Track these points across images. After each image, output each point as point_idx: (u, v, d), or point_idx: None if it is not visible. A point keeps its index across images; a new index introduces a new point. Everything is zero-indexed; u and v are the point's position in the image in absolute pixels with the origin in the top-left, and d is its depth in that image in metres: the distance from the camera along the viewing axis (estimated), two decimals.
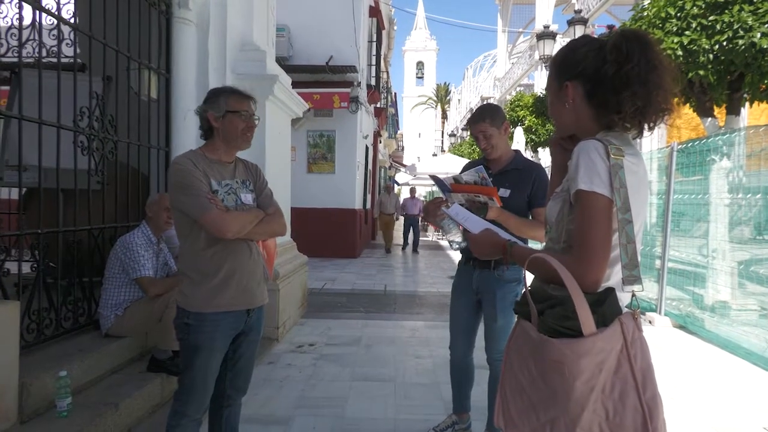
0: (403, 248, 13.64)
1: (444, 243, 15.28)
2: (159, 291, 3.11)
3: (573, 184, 1.22)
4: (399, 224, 15.52)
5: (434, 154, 35.75)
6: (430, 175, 2.53)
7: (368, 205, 14.11)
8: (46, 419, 2.43)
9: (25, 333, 2.65)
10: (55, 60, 2.93)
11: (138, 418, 2.84)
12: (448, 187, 2.38)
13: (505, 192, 2.44)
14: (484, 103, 3.21)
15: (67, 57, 3.05)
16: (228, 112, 2.04)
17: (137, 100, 3.71)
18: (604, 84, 1.25)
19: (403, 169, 30.19)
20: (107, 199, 3.39)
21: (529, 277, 1.33)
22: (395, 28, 21.13)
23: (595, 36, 1.41)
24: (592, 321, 1.11)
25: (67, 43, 3.06)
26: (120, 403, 2.68)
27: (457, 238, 2.47)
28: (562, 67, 1.34)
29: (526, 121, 13.62)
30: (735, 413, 3.29)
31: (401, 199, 14.35)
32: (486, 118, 2.52)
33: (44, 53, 2.86)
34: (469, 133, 2.73)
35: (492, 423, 2.67)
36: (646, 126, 1.29)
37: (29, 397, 2.41)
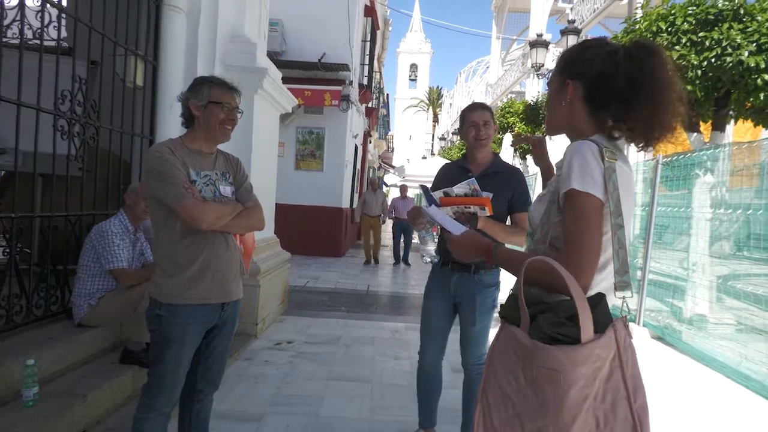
0: (395, 263, 11.06)
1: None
2: (132, 282, 3.06)
3: (565, 183, 1.19)
4: (386, 227, 13.59)
5: (424, 157, 35.81)
6: (421, 186, 2.47)
7: (355, 205, 14.05)
8: (10, 408, 2.37)
9: None
10: (43, 43, 2.86)
11: (108, 410, 2.78)
12: (436, 201, 2.33)
13: (487, 195, 2.42)
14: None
15: (53, 40, 2.99)
16: (210, 103, 2.00)
17: (122, 87, 3.64)
18: (610, 90, 1.24)
19: (392, 171, 30.19)
20: (87, 186, 3.33)
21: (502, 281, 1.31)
22: (390, 29, 21.14)
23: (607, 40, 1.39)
24: (592, 327, 1.07)
25: (54, 26, 3.00)
26: (89, 394, 2.62)
27: (431, 248, 2.46)
28: (569, 64, 1.33)
29: (516, 128, 13.69)
30: (707, 426, 3.31)
31: (390, 199, 12.48)
32: (488, 110, 2.58)
33: (30, 35, 2.80)
34: (457, 134, 2.64)
35: (468, 428, 2.66)
36: (650, 139, 1.28)
37: None
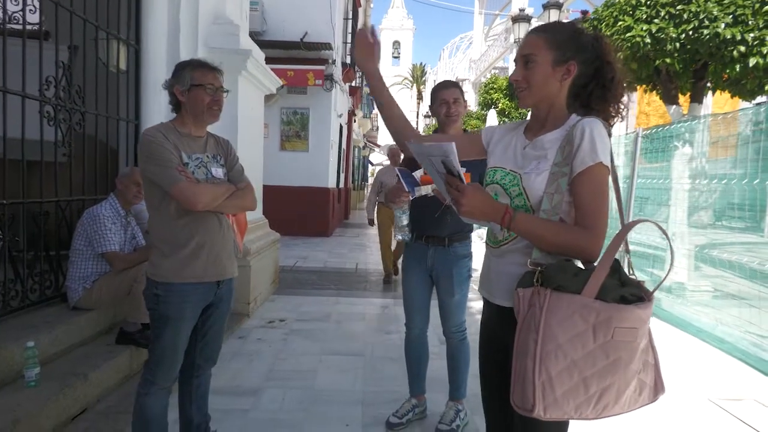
0: None
1: None
2: (125, 265, 3.11)
3: (589, 156, 1.28)
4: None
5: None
6: (398, 169, 2.52)
7: (341, 184, 14.08)
8: (14, 389, 2.44)
9: None
10: (18, 27, 2.85)
11: (107, 389, 2.86)
12: (416, 180, 2.40)
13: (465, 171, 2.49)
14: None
15: (31, 24, 2.97)
16: (193, 86, 2.03)
17: (106, 72, 3.64)
18: (596, 77, 1.38)
19: (377, 149, 30.07)
20: (74, 171, 3.35)
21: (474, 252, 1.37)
22: (372, 5, 20.90)
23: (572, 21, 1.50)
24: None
25: (30, 10, 2.98)
26: (89, 373, 2.70)
27: (405, 222, 2.57)
28: (570, 44, 1.37)
29: (500, 104, 13.76)
30: (682, 386, 3.48)
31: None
32: (458, 87, 2.66)
33: (7, 20, 2.79)
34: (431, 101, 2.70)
35: (455, 393, 2.79)
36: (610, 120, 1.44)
37: None
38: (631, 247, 4.77)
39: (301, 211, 10.79)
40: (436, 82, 3.13)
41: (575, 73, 1.37)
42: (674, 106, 6.48)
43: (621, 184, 6.40)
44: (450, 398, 2.82)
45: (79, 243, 3.10)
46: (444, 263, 2.65)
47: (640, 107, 16.54)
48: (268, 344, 4.01)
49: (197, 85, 2.03)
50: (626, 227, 1.24)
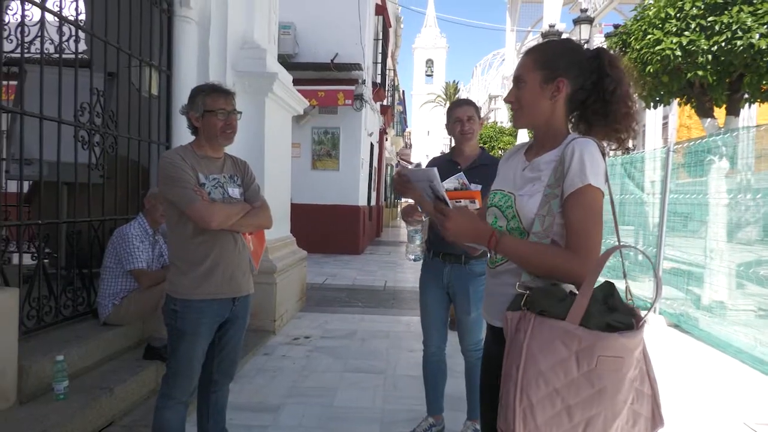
0: None
1: None
2: (151, 283, 3.22)
3: (578, 178, 1.25)
4: None
5: (442, 152, 35.75)
6: None
7: (373, 202, 14.17)
8: (43, 401, 2.54)
9: (25, 319, 2.76)
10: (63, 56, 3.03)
11: (133, 402, 2.94)
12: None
13: (476, 187, 2.49)
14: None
15: (72, 53, 3.16)
16: (206, 112, 2.13)
17: (138, 97, 3.81)
18: (596, 94, 1.34)
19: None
20: (108, 192, 3.50)
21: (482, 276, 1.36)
22: (402, 26, 21.19)
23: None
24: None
25: (75, 40, 3.17)
26: (115, 387, 2.79)
27: (418, 242, 2.58)
28: (558, 61, 1.35)
29: None
30: (717, 409, 3.33)
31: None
32: (472, 105, 2.69)
33: (51, 50, 2.98)
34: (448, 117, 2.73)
35: (473, 413, 2.75)
36: (621, 141, 1.38)
37: (28, 380, 2.52)
38: (667, 264, 4.57)
39: (332, 229, 10.92)
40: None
41: (568, 90, 1.35)
42: (709, 119, 6.30)
43: (654, 200, 6.21)
44: (468, 418, 2.79)
45: (110, 261, 3.23)
46: (460, 281, 2.64)
47: (681, 120, 16.09)
48: (292, 361, 4.05)
49: (210, 111, 2.12)
50: (606, 253, 1.19)
